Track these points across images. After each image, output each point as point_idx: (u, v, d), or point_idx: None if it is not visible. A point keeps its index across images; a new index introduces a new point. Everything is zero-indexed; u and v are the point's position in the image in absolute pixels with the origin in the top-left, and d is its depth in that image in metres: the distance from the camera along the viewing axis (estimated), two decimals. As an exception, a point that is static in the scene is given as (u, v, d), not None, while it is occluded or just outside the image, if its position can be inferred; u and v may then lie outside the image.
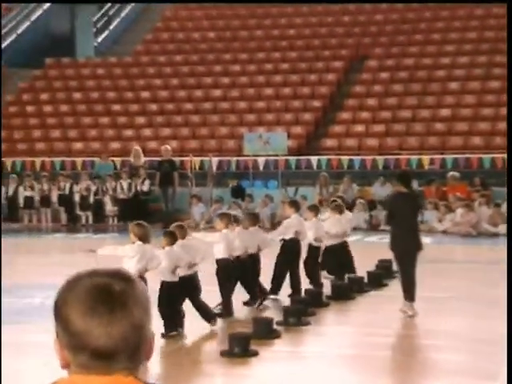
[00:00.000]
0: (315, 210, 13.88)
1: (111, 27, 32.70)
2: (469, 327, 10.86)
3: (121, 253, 10.29)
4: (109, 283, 2.05)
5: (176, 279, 10.45)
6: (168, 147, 23.84)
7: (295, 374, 9.03)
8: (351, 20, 30.39)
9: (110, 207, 23.47)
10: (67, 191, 23.52)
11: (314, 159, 23.74)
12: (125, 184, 23.36)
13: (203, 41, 30.69)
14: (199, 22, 31.64)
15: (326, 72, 27.80)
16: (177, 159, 23.97)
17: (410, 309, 11.41)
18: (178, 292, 10.40)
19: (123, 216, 22.51)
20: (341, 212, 14.24)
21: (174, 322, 10.33)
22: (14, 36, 32.04)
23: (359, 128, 25.25)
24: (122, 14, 33.09)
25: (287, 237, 12.93)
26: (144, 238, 10.12)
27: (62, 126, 27.39)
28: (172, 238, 10.61)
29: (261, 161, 23.83)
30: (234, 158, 24.16)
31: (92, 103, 28.11)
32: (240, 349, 9.44)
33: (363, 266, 14.25)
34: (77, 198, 23.47)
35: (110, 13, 32.81)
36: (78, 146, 26.23)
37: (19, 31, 32.18)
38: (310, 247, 13.58)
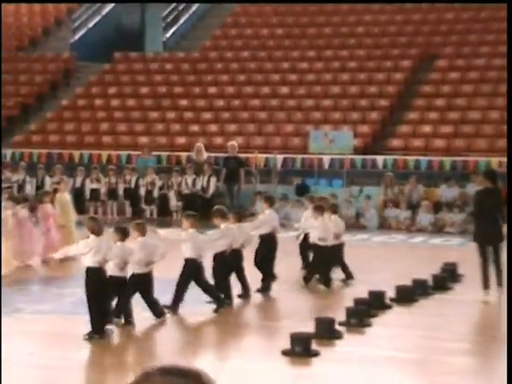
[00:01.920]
0: (320, 210, 14.06)
1: (180, 22, 32.84)
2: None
3: (74, 251, 10.48)
4: None
5: (124, 275, 10.47)
6: (234, 144, 23.83)
7: (356, 376, 8.93)
8: (421, 18, 30.03)
9: (174, 202, 23.57)
10: (133, 185, 23.69)
11: (379, 159, 23.53)
12: (189, 179, 23.44)
13: (271, 37, 30.63)
14: (268, 18, 31.59)
15: (395, 71, 27.52)
16: (242, 156, 23.96)
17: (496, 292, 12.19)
18: (122, 288, 10.43)
19: (187, 211, 22.57)
20: (331, 213, 14.30)
21: (102, 320, 10.26)
22: (84, 30, 32.39)
23: (427, 128, 24.95)
24: (191, 10, 33.21)
25: (264, 232, 13.32)
26: (97, 231, 10.27)
27: (129, 120, 27.60)
28: (122, 235, 10.66)
29: (326, 159, 23.69)
30: (299, 156, 24.06)
31: (159, 98, 28.27)
32: (301, 348, 9.38)
33: (428, 268, 14.06)
34: (142, 191, 23.63)
35: (180, 8, 32.95)
36: (144, 140, 26.40)
37: (90, 25, 32.52)
38: (316, 246, 13.80)
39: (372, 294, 12.14)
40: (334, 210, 14.72)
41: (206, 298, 11.90)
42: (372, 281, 13.69)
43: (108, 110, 28.10)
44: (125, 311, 10.90)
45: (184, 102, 27.82)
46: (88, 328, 10.12)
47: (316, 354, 9.47)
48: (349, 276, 14.06)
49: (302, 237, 14.98)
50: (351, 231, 21.13)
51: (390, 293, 12.49)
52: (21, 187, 23.95)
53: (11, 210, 15.09)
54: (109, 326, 10.34)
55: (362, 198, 22.58)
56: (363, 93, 26.84)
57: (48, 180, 23.88)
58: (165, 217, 23.46)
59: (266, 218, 13.47)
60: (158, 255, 11.13)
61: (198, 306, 12.29)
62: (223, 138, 25.24)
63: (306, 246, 14.66)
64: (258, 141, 25.45)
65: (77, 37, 32.13)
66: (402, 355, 9.72)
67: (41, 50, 32.47)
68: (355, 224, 22.01)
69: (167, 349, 10.33)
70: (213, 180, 23.42)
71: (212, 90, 28.23)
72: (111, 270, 10.43)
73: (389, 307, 12.04)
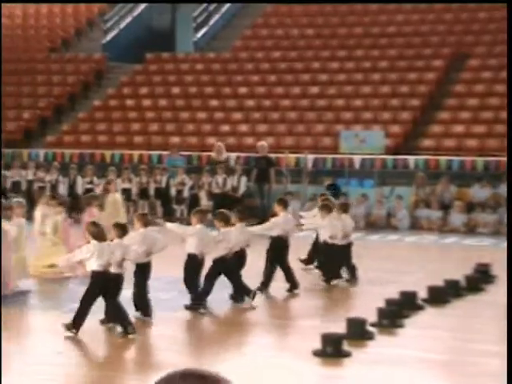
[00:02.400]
0: (327, 208, 14.21)
1: (211, 23, 32.90)
2: None
3: (77, 257, 10.54)
4: None
5: (121, 271, 10.60)
6: (264, 144, 23.83)
7: (387, 377, 8.89)
8: (453, 18, 29.86)
9: (204, 202, 23.60)
10: (164, 184, 23.77)
11: (411, 159, 23.41)
12: (220, 179, 23.47)
13: (302, 37, 30.59)
14: (298, 19, 31.56)
15: (426, 71, 27.37)
16: (272, 156, 23.95)
17: None
18: (118, 287, 10.51)
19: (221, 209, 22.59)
20: (341, 212, 14.39)
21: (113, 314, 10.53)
22: (116, 31, 32.56)
23: (459, 128, 24.79)
24: (222, 10, 33.26)
25: (274, 234, 13.33)
26: (99, 236, 10.39)
27: (160, 120, 27.70)
28: (121, 231, 10.78)
29: (357, 159, 23.62)
30: (330, 156, 24.00)
31: (190, 98, 28.34)
32: (333, 349, 9.35)
33: (460, 269, 13.98)
34: (173, 191, 23.70)
35: (210, 8, 33.01)
36: (176, 140, 26.47)
37: (121, 26, 32.68)
38: (326, 244, 13.95)
39: (404, 294, 12.08)
40: (345, 209, 14.82)
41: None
42: (403, 281, 13.64)
43: (139, 111, 28.21)
44: (143, 304, 11.17)
45: (215, 103, 27.86)
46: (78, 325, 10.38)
47: (347, 354, 9.44)
48: (353, 276, 14.06)
49: (314, 236, 15.20)
50: (382, 232, 21.09)
51: (422, 293, 12.42)
52: (54, 187, 24.13)
53: (61, 214, 14.86)
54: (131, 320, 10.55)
55: (394, 198, 22.48)
56: (394, 92, 26.73)
57: (80, 180, 24.04)
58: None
59: (278, 221, 13.54)
60: (158, 247, 11.42)
61: (221, 305, 12.32)
62: (254, 139, 25.25)
63: (318, 245, 14.79)
64: (288, 141, 25.43)
65: (109, 38, 32.30)
66: (433, 356, 9.66)
67: (73, 50, 32.68)
68: (386, 224, 21.95)
69: (193, 347, 10.35)
70: (243, 180, 23.44)
71: (242, 90, 28.25)
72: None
73: (421, 308, 11.98)
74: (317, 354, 9.38)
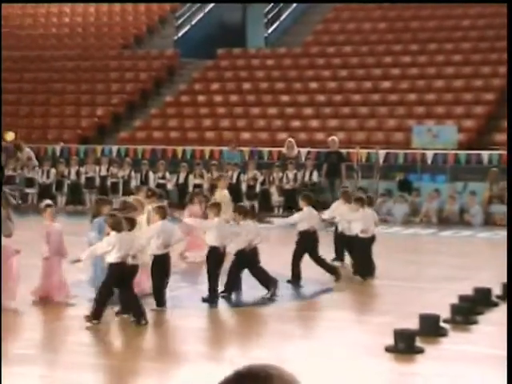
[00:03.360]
0: (361, 201, 14.17)
1: (282, 18, 32.89)
2: None
3: (100, 250, 10.56)
4: None
5: (137, 262, 10.72)
6: (335, 139, 23.74)
7: (460, 374, 8.79)
8: (528, 10, 29.33)
9: (276, 197, 23.63)
10: (234, 180, 23.86)
11: (484, 154, 23.09)
12: (291, 174, 23.46)
13: (373, 31, 30.38)
14: (370, 13, 31.33)
15: (501, 64, 26.93)
16: (343, 151, 23.85)
17: None
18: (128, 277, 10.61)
19: (289, 206, 22.60)
20: (363, 206, 14.20)
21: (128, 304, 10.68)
22: (187, 27, 32.78)
23: (534, 122, 24.34)
24: (293, 5, 33.21)
25: (301, 228, 13.43)
26: (117, 228, 10.45)
27: (231, 116, 27.80)
28: (130, 225, 10.75)
29: (429, 154, 23.38)
30: (402, 151, 23.80)
31: (261, 94, 28.38)
32: (405, 345, 9.27)
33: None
34: (244, 187, 23.76)
35: (281, 4, 33.00)
36: (246, 135, 26.55)
37: (193, 22, 32.89)
38: (358, 238, 13.89)
39: (477, 290, 11.91)
40: (370, 202, 14.87)
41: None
42: (477, 278, 13.47)
43: (211, 106, 28.36)
44: (158, 295, 11.35)
45: (285, 98, 27.85)
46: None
47: (420, 351, 9.35)
48: (373, 271, 13.99)
49: (333, 228, 15.26)
50: (455, 227, 20.85)
51: (496, 290, 12.23)
52: (126, 183, 24.43)
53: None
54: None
55: (467, 193, 22.20)
56: (468, 87, 26.37)
57: (151, 175, 24.28)
58: (267, 212, 23.54)
59: (301, 216, 13.63)
60: (175, 240, 11.66)
61: (298, 300, 12.31)
62: (324, 134, 25.17)
63: (339, 237, 14.81)
64: (359, 136, 25.29)
65: (180, 34, 32.54)
66: (508, 354, 9.50)
67: (145, 47, 33.01)
68: (459, 220, 21.69)
69: (271, 339, 10.37)
70: (314, 175, 23.39)
71: (313, 85, 28.18)
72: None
73: (495, 305, 11.80)
74: (389, 350, 9.32)
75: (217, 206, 12.54)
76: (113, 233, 10.51)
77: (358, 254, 14.04)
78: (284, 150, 24.12)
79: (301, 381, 2.15)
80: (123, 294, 10.68)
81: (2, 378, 7.89)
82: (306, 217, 13.58)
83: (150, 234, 11.46)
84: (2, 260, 11.15)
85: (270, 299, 12.20)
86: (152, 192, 14.25)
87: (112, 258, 10.45)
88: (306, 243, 13.49)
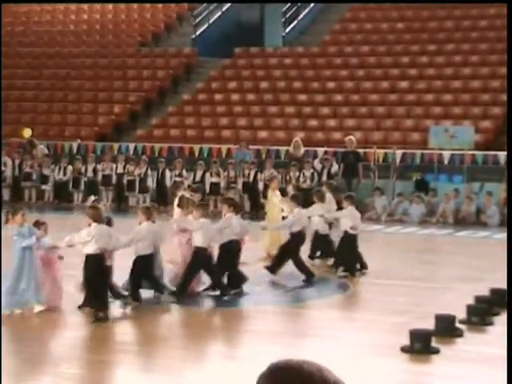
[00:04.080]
0: (351, 199, 14.49)
1: (299, 17, 32.91)
2: None
3: (78, 239, 10.70)
4: None
5: (110, 263, 10.91)
6: (352, 138, 23.74)
7: (476, 375, 8.80)
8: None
9: (292, 196, 23.62)
10: (251, 179, 23.89)
11: (501, 155, 23.02)
12: (308, 173, 23.48)
13: (391, 31, 30.35)
14: (388, 12, 31.31)
15: (518, 65, 26.86)
16: (360, 151, 23.85)
17: None
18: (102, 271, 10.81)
19: (305, 205, 22.60)
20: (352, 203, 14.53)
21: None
22: (205, 26, 32.84)
23: (551, 124, 24.27)
24: (311, 5, 33.22)
25: (294, 230, 13.62)
26: (98, 219, 10.68)
27: (249, 115, 27.84)
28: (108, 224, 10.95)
29: (446, 155, 23.35)
30: (419, 151, 23.78)
31: (278, 93, 28.40)
32: (421, 345, 9.30)
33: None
34: (260, 186, 23.79)
35: (299, 3, 33.02)
36: (263, 134, 26.58)
37: (211, 21, 32.94)
38: (347, 235, 14.08)
39: (494, 291, 11.92)
40: (352, 201, 14.94)
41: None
42: (493, 279, 13.45)
43: (228, 105, 28.41)
44: (136, 291, 11.51)
45: (303, 97, 27.87)
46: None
47: (436, 351, 9.38)
48: (353, 268, 14.15)
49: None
50: (472, 228, 20.83)
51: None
52: (142, 180, 24.52)
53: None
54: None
55: (483, 194, 22.16)
56: (485, 87, 26.32)
57: (168, 173, 24.36)
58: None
59: (294, 218, 13.76)
60: (162, 240, 11.89)
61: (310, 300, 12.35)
62: (341, 133, 25.17)
63: (317, 235, 15.00)
64: (376, 136, 25.29)
65: (198, 32, 32.60)
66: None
67: (163, 45, 33.09)
68: (476, 221, 21.66)
69: (286, 335, 10.42)
70: (333, 171, 23.35)
71: (331, 84, 28.19)
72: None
73: None
74: (405, 350, 9.35)
75: (204, 207, 12.62)
76: (94, 224, 10.70)
77: (347, 251, 14.14)
78: (290, 149, 24.13)
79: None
80: (94, 286, 10.78)
81: (1, 378, 7.96)
82: (298, 218, 13.76)
83: (135, 236, 11.51)
84: (48, 265, 11.32)
85: (238, 295, 12.35)
86: (193, 189, 14.45)
87: (90, 249, 10.65)
88: (298, 244, 13.69)
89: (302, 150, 23.95)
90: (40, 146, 26.31)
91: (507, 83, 22.54)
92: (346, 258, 14.10)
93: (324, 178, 22.94)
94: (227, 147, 25.69)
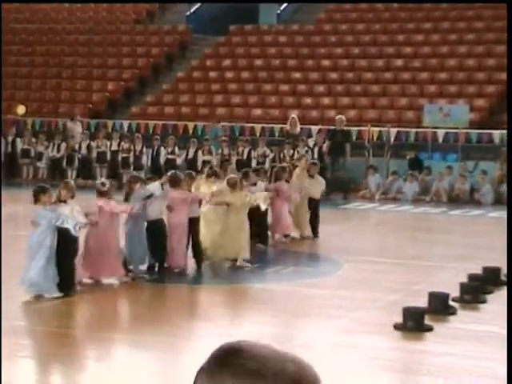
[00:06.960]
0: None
1: (294, -5, 32.77)
2: None
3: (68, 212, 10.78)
4: None
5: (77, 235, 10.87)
6: (342, 117, 23.58)
7: (469, 353, 8.83)
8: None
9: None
10: (245, 157, 23.86)
11: (496, 133, 23.03)
12: (302, 151, 23.41)
13: (386, 10, 30.25)
14: (383, -9, 31.17)
15: (514, 43, 26.81)
16: (354, 129, 23.81)
17: None
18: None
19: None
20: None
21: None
22: (200, 3, 32.67)
23: (546, 102, 24.26)
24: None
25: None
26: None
27: (243, 92, 27.77)
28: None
29: (440, 133, 23.34)
30: (413, 130, 23.77)
31: (273, 70, 28.33)
32: (414, 323, 9.32)
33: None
34: (253, 163, 23.75)
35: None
36: (258, 112, 26.54)
37: (205, -2, 32.81)
38: (317, 201, 15.87)
39: (487, 270, 11.94)
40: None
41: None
42: (487, 257, 13.48)
43: (222, 83, 28.33)
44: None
45: (297, 75, 27.80)
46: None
47: (429, 329, 9.40)
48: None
49: None
50: (465, 206, 20.85)
51: (506, 269, 12.26)
52: (137, 158, 24.47)
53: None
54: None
55: (478, 172, 22.18)
56: (480, 66, 26.28)
57: (163, 151, 24.30)
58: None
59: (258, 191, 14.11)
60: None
61: (305, 278, 12.38)
62: (336, 111, 25.12)
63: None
64: (371, 114, 25.26)
65: (192, 10, 32.46)
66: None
67: (157, 22, 32.95)
68: (470, 199, 21.69)
69: (288, 314, 10.44)
70: (323, 151, 23.29)
71: (325, 62, 28.12)
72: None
73: (504, 284, 11.81)
74: (398, 327, 9.37)
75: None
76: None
77: (316, 216, 15.72)
78: (287, 126, 24.06)
79: (309, 356, 2.14)
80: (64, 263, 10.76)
81: (1, 376, 7.98)
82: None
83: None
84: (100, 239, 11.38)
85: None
86: (210, 168, 14.57)
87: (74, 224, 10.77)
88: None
89: (299, 127, 23.88)
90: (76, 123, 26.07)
91: (507, 83, 22.52)
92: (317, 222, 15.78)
93: (315, 155, 22.85)
94: (221, 125, 25.61)
